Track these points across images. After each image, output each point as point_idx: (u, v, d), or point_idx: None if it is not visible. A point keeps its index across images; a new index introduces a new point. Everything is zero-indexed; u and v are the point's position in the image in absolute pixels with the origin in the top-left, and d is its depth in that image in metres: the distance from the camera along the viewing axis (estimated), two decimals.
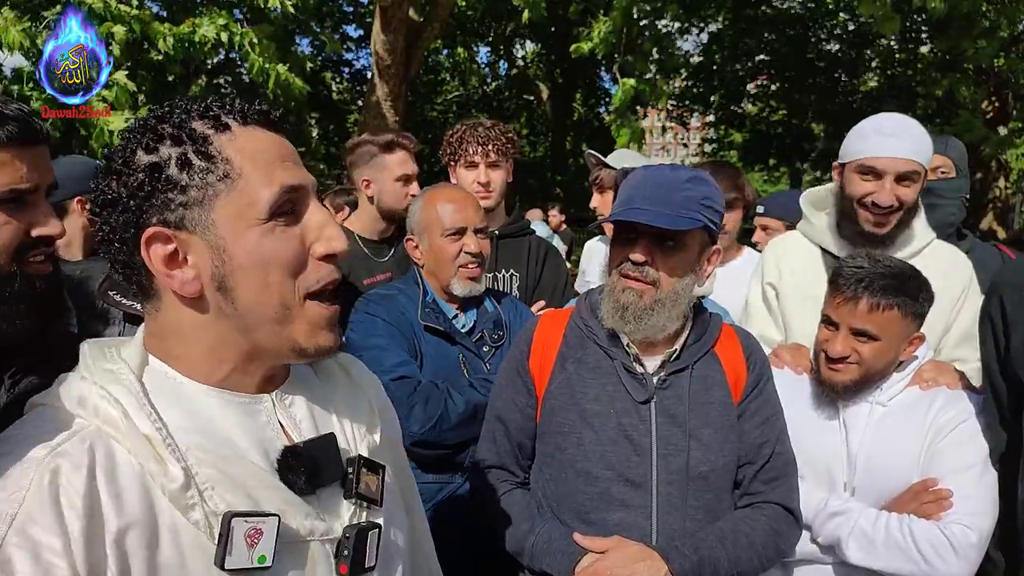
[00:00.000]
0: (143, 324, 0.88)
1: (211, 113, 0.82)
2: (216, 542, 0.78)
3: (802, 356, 1.88)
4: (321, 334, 0.86)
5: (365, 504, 0.93)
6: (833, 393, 1.72)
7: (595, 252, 2.82)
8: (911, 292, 1.62)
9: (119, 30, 4.72)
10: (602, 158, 3.15)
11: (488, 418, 1.66)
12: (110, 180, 0.82)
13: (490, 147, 2.43)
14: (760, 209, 3.47)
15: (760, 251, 3.17)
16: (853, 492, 1.68)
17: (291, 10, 5.28)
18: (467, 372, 1.90)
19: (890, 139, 1.98)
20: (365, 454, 0.96)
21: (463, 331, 1.95)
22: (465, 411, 1.78)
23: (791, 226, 3.21)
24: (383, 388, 1.13)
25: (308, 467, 0.87)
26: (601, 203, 3.16)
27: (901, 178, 1.97)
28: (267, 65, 5.28)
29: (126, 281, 0.85)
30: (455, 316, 1.96)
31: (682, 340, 1.56)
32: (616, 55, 6.11)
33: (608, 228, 2.77)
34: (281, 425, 0.90)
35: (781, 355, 1.91)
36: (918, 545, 1.54)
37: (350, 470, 0.92)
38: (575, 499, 1.52)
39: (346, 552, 0.88)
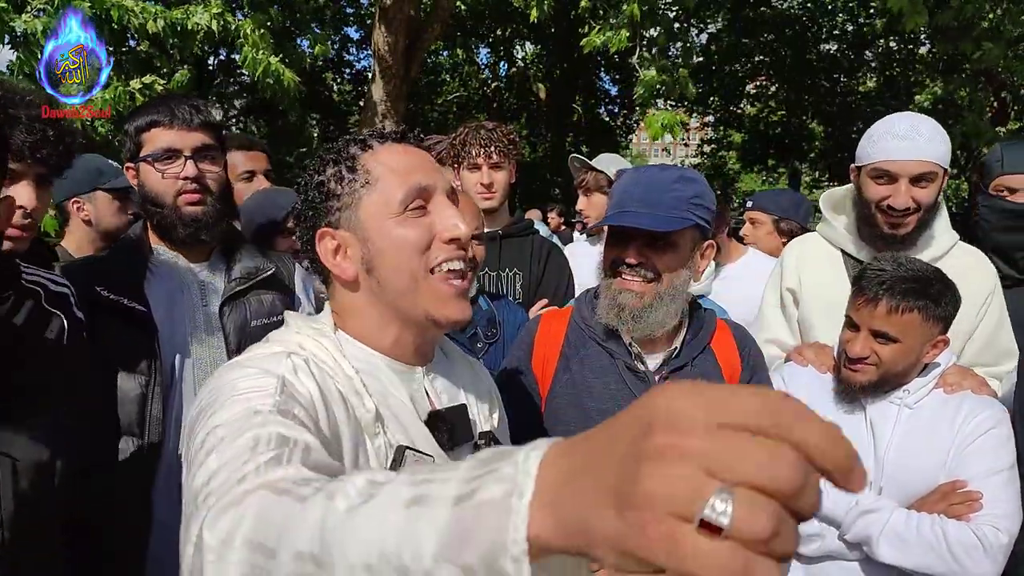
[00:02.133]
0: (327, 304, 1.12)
1: (360, 138, 1.07)
2: (388, 467, 0.96)
3: (825, 355, 1.89)
4: (448, 305, 1.04)
5: None
6: (851, 392, 1.74)
7: (580, 255, 2.82)
8: (933, 296, 1.62)
9: (84, 6, 4.64)
10: (587, 161, 3.16)
11: None
12: (300, 199, 1.09)
13: (492, 149, 2.45)
14: (748, 203, 3.50)
15: (747, 243, 3.18)
16: (880, 491, 1.70)
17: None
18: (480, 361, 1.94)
19: (903, 141, 1.96)
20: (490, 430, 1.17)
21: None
22: None
23: (778, 220, 3.22)
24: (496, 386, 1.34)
25: (449, 428, 1.07)
26: (587, 205, 3.17)
27: (916, 179, 1.95)
28: (259, 56, 5.21)
29: (317, 272, 1.09)
30: None
31: (681, 337, 1.58)
32: (633, 49, 6.03)
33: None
34: (426, 393, 1.10)
35: (805, 353, 1.91)
36: (950, 545, 1.55)
37: (482, 442, 1.13)
38: None
39: None
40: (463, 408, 1.12)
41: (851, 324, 1.72)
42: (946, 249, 2.06)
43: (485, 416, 1.20)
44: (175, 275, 1.72)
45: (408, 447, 0.99)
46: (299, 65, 6.23)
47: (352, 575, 0.51)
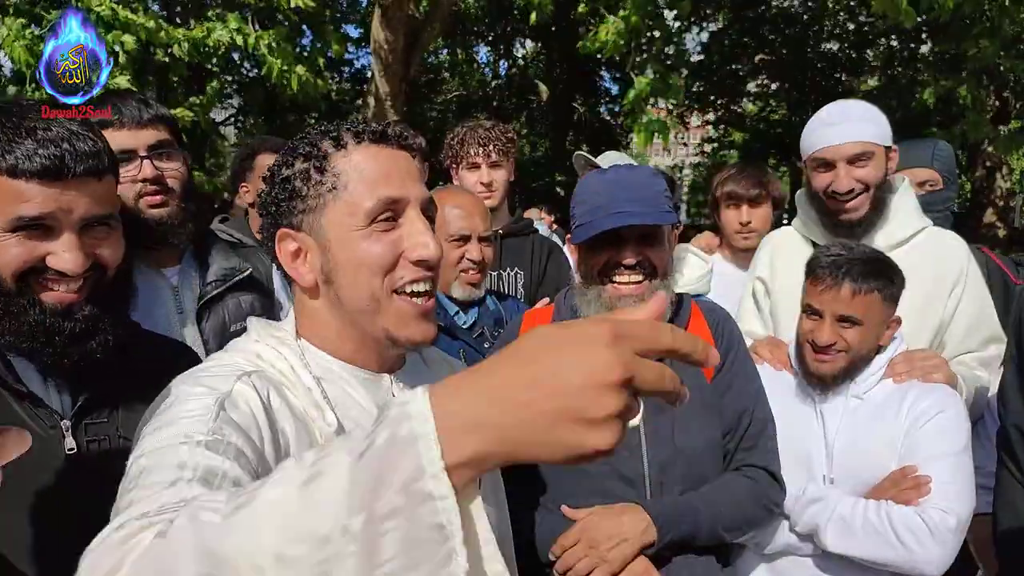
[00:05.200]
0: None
1: (333, 133, 0.97)
2: None
3: (781, 351, 1.91)
4: (410, 326, 0.98)
5: None
6: (820, 384, 1.73)
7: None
8: (887, 275, 1.66)
9: (128, 39, 4.71)
10: (592, 159, 3.16)
11: None
12: (265, 190, 1.01)
13: (491, 147, 2.45)
14: None
15: None
16: (832, 482, 1.70)
17: (311, 3, 5.25)
18: (468, 366, 1.93)
19: (832, 128, 2.03)
20: None
21: (464, 327, 1.97)
22: None
23: None
24: None
25: None
26: None
27: (852, 160, 2.00)
28: (286, 68, 5.31)
29: (280, 270, 1.03)
30: (456, 313, 1.99)
31: None
32: (629, 53, 6.05)
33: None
34: None
35: (760, 351, 1.93)
36: (896, 530, 1.54)
37: None
38: (573, 496, 1.53)
39: None
40: None
41: (812, 312, 1.71)
42: (912, 233, 2.08)
43: None
44: (146, 282, 1.63)
45: None
46: (314, 68, 6.27)
47: (261, 574, 0.48)
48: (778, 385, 1.81)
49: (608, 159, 3.21)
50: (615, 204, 1.48)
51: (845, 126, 2.01)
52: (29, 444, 0.75)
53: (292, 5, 5.06)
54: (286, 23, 5.55)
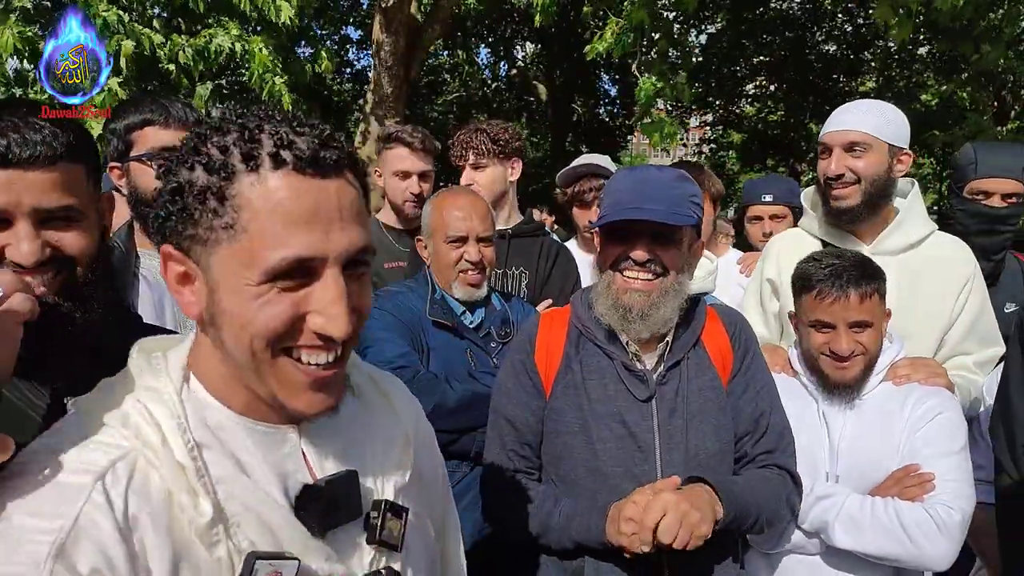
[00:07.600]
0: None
1: (247, 145, 0.74)
2: None
3: (779, 356, 1.95)
4: (300, 396, 0.79)
5: (386, 548, 0.90)
6: (846, 390, 1.77)
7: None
8: (878, 274, 1.73)
9: (127, 45, 4.72)
10: (599, 165, 3.10)
11: (494, 420, 1.67)
12: (159, 185, 0.80)
13: (469, 152, 2.53)
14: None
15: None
16: (837, 480, 1.74)
17: (295, 23, 5.27)
18: (474, 365, 1.95)
19: (837, 116, 2.12)
20: (391, 495, 0.92)
21: (471, 327, 1.99)
22: (462, 400, 1.82)
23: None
24: (423, 413, 1.10)
25: (324, 509, 0.83)
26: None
27: (848, 149, 2.06)
28: (265, 75, 5.30)
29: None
30: (463, 313, 2.01)
31: (672, 332, 1.59)
32: (636, 53, 6.06)
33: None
34: (305, 458, 0.86)
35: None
36: (904, 525, 1.57)
37: (374, 514, 0.89)
38: (586, 497, 1.53)
39: None
40: (351, 476, 0.87)
41: (824, 325, 1.73)
42: (921, 237, 2.11)
43: (389, 475, 0.94)
44: (163, 281, 1.67)
45: (259, 555, 0.76)
46: (304, 80, 6.26)
47: None
48: (779, 389, 1.82)
49: (604, 162, 3.21)
50: (636, 200, 1.50)
51: (848, 116, 2.09)
52: (11, 451, 0.73)
53: (281, 21, 5.06)
54: (275, 34, 5.54)
